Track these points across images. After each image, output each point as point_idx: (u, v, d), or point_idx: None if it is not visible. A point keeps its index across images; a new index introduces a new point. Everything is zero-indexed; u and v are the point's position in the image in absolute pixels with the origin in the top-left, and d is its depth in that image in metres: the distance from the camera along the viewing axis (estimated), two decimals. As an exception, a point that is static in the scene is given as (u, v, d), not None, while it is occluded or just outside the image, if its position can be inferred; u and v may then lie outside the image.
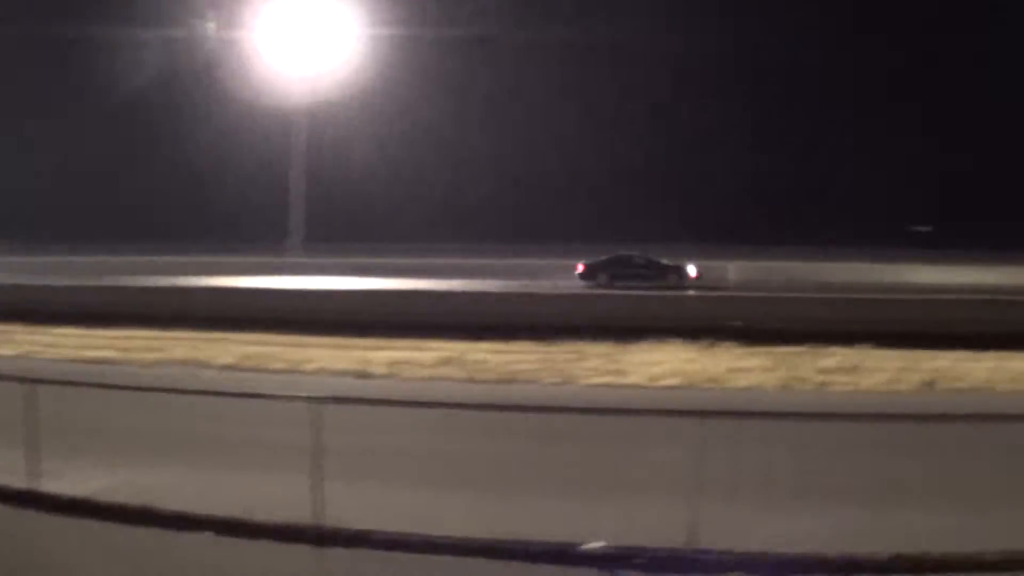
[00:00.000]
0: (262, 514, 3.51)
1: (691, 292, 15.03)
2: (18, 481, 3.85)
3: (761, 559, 3.16)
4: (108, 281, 15.06)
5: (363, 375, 7.11)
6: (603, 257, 18.12)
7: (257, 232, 24.16)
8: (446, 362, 7.31)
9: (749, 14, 27.10)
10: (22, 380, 4.14)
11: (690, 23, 25.83)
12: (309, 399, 3.87)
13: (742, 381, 5.76)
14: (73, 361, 8.26)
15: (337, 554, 3.31)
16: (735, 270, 18.43)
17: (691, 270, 17.61)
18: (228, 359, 8.20)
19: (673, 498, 3.53)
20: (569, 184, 26.01)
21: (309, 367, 7.62)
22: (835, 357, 7.30)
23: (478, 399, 4.71)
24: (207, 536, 3.42)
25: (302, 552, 3.34)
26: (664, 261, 17.90)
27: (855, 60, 26.35)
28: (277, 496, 3.64)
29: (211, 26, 25.44)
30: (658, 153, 26.73)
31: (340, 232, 23.61)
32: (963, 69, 26.38)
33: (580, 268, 17.68)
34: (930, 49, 26.01)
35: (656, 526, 3.38)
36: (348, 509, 3.46)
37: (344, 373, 7.24)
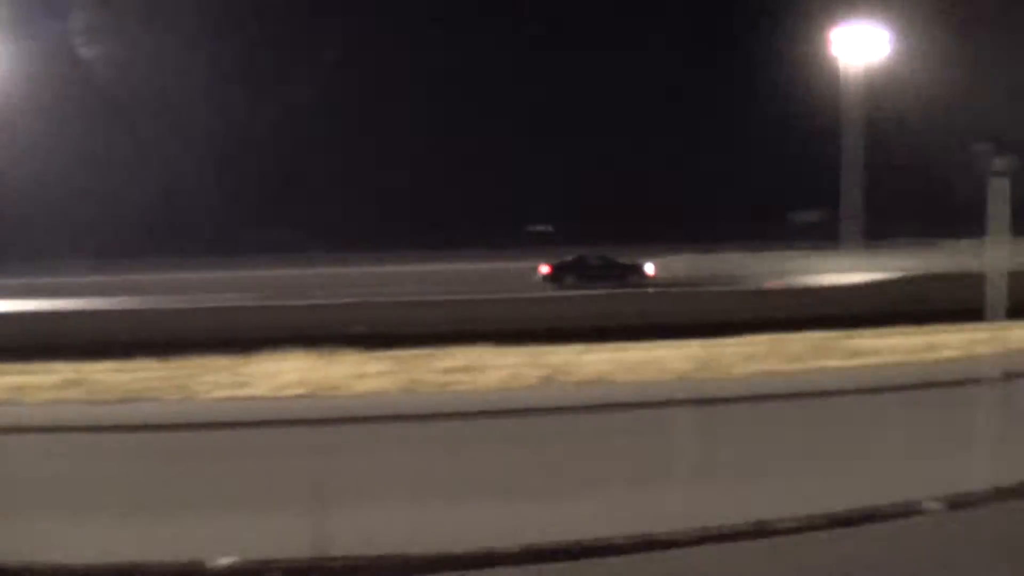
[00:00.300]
0: None
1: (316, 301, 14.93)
2: None
3: (393, 561, 3.39)
4: None
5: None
6: (568, 259, 18.47)
7: None
8: (68, 384, 6.11)
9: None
10: None
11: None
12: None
13: (364, 386, 5.95)
14: None
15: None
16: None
17: (648, 268, 18.22)
18: None
19: (302, 507, 3.64)
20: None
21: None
22: (456, 358, 7.64)
23: (97, 420, 3.81)
24: None
25: None
26: (625, 261, 18.25)
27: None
28: None
29: None
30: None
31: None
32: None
33: (546, 271, 17.82)
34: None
35: (284, 536, 3.42)
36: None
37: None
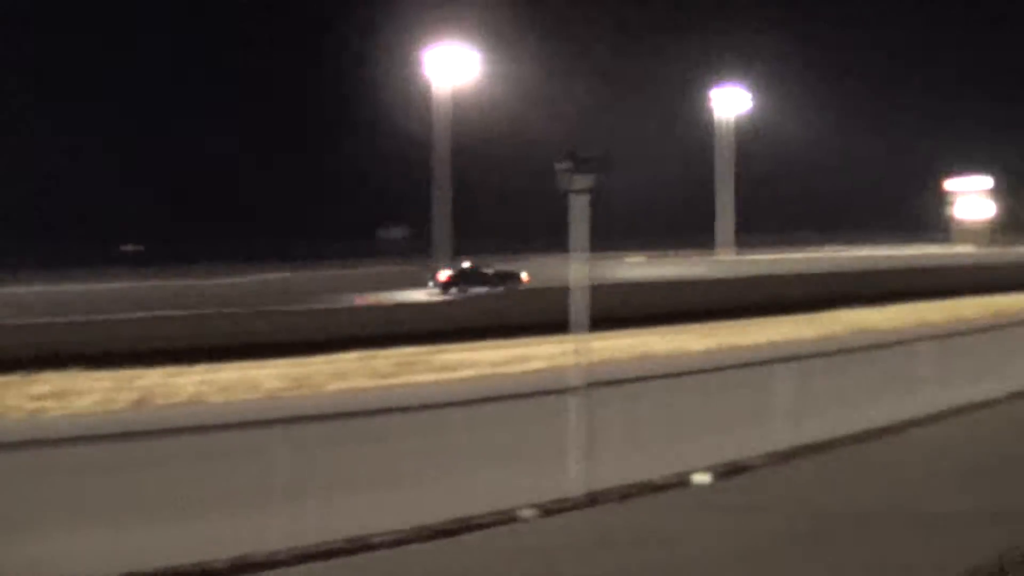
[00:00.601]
0: None
1: None
2: None
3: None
4: None
5: None
6: (463, 266, 24.31)
7: None
8: None
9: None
10: None
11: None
12: None
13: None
14: None
15: None
16: None
17: (523, 276, 22.81)
18: None
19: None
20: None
21: None
22: (47, 383, 7.72)
23: None
24: None
25: None
26: (507, 270, 23.29)
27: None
28: None
29: None
30: None
31: None
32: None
33: (443, 279, 23.12)
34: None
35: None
36: None
37: None
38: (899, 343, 10.06)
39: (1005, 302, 22.07)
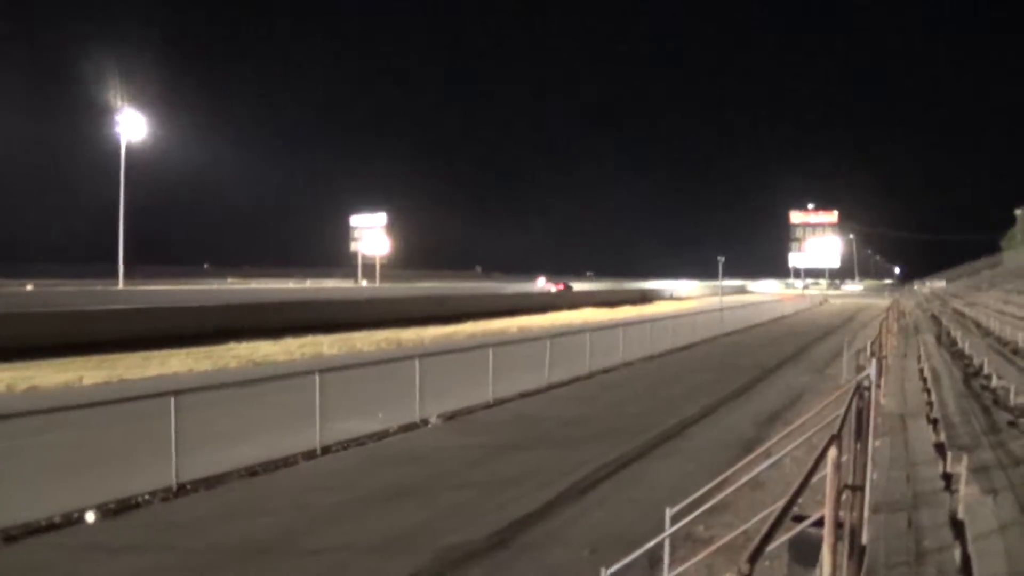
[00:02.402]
0: None
1: None
2: None
3: None
4: None
5: None
6: None
7: None
8: None
9: None
10: None
11: None
12: None
13: None
14: None
15: None
16: None
17: None
18: None
19: None
20: None
21: None
22: None
23: None
24: None
25: None
26: None
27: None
28: None
29: None
30: None
31: None
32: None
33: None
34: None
35: None
36: None
37: None
38: (293, 375, 12.54)
39: (406, 335, 29.45)
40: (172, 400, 9.52)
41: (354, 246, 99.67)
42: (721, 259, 56.08)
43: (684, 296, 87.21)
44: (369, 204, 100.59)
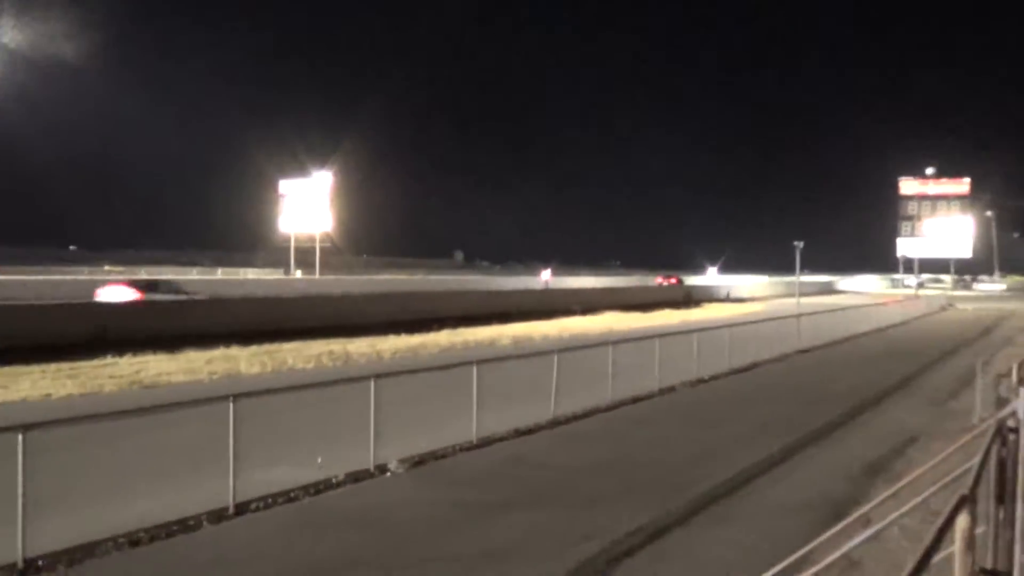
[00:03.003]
0: None
1: None
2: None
3: None
4: None
5: None
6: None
7: None
8: None
9: None
10: None
11: None
12: None
13: None
14: None
15: None
16: None
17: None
18: None
19: None
20: None
21: None
22: None
23: None
24: None
25: None
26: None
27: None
28: None
29: None
30: None
31: None
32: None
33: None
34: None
35: None
36: None
37: None
38: (198, 402, 12.52)
39: (356, 347, 29.63)
40: (20, 438, 9.40)
41: (283, 222, 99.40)
42: (799, 246, 56.24)
43: (746, 296, 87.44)
44: (312, 166, 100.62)
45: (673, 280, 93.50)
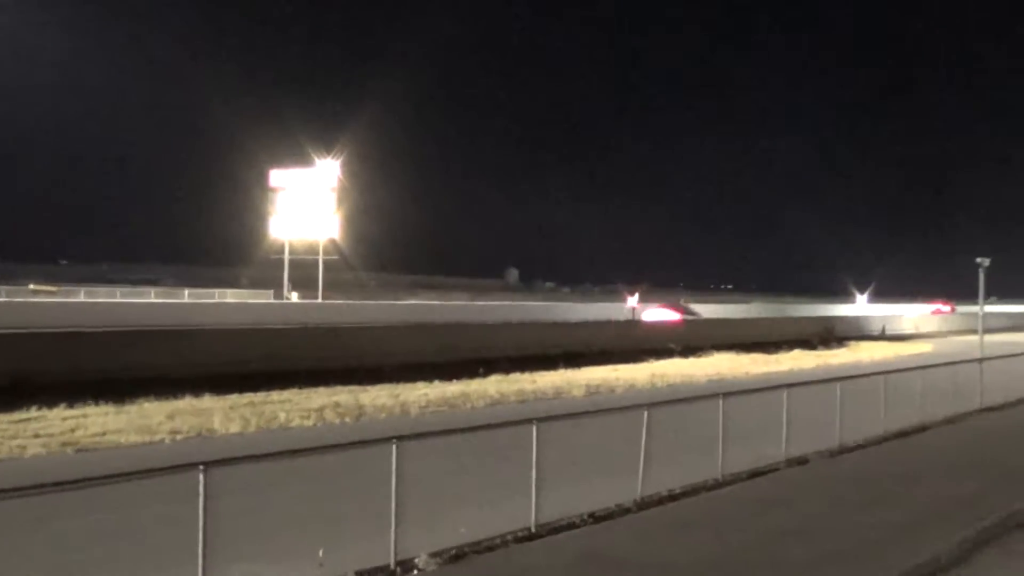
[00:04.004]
0: None
1: None
2: None
3: None
4: None
5: None
6: None
7: None
8: None
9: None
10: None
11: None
12: None
13: None
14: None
15: None
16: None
17: None
18: None
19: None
20: None
21: None
22: None
23: None
24: None
25: None
26: None
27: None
28: None
29: None
30: None
31: None
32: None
33: None
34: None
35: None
36: None
37: None
38: (159, 471, 12.69)
39: (372, 398, 29.78)
40: None
41: (275, 226, 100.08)
42: (983, 263, 55.20)
43: (908, 332, 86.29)
44: (314, 153, 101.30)
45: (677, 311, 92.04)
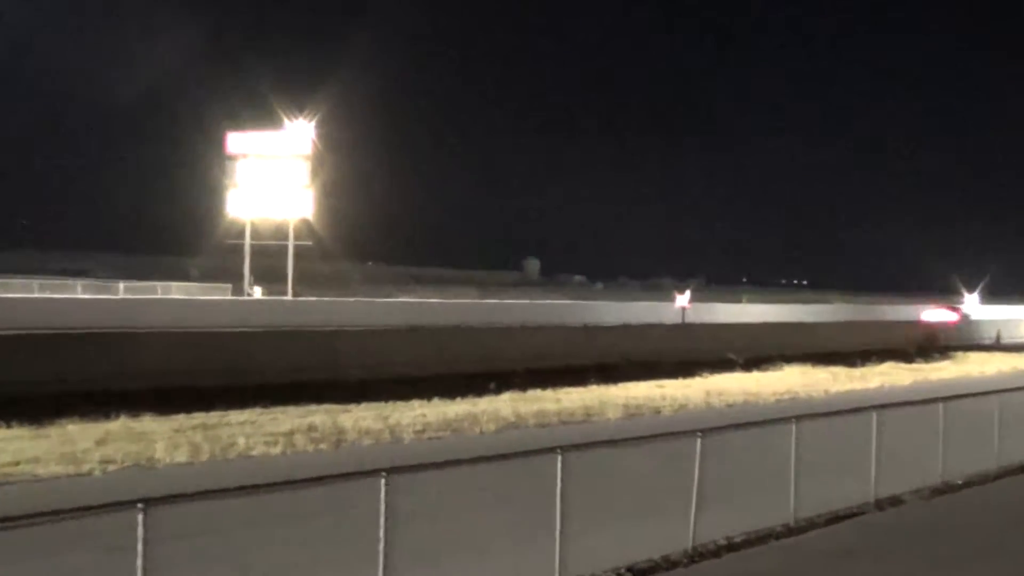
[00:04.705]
0: None
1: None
2: None
3: None
4: None
5: None
6: None
7: None
8: None
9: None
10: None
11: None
12: None
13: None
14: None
15: None
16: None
17: None
18: None
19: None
20: None
21: None
22: None
23: None
24: None
25: None
26: None
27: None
28: None
29: None
30: None
31: None
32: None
33: None
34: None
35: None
36: None
37: None
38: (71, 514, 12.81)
39: (355, 420, 29.89)
40: None
41: (233, 203, 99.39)
42: None
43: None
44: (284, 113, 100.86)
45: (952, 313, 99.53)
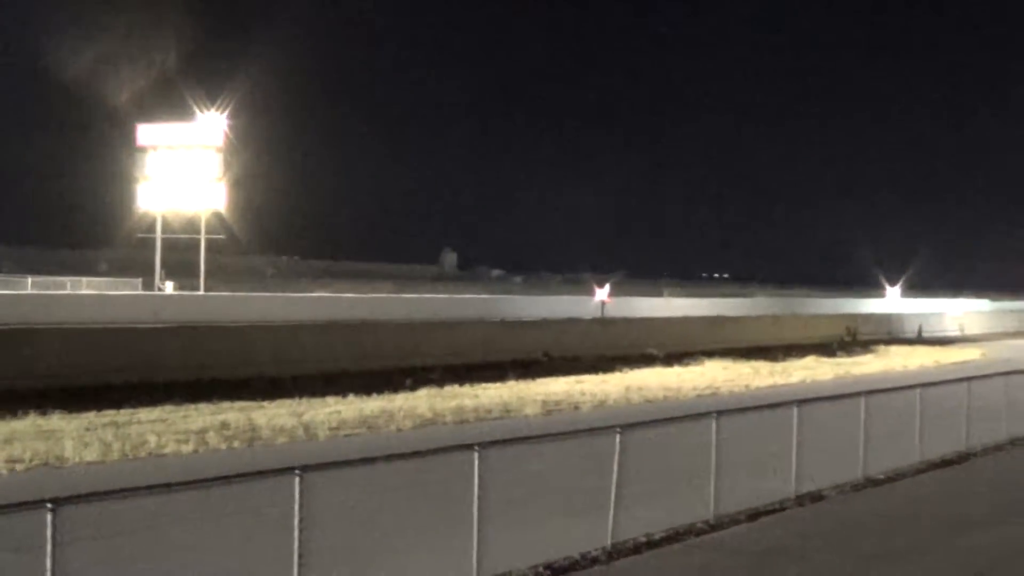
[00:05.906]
0: None
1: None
2: None
3: None
4: None
5: None
6: None
7: None
8: None
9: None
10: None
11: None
12: None
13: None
14: None
15: None
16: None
17: None
18: None
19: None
20: None
21: None
22: None
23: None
24: None
25: None
26: None
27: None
28: None
29: None
30: None
31: None
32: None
33: None
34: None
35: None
36: None
37: None
38: None
39: (267, 418, 29.71)
40: None
41: (144, 195, 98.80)
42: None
43: (953, 334, 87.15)
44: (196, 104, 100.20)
45: None
